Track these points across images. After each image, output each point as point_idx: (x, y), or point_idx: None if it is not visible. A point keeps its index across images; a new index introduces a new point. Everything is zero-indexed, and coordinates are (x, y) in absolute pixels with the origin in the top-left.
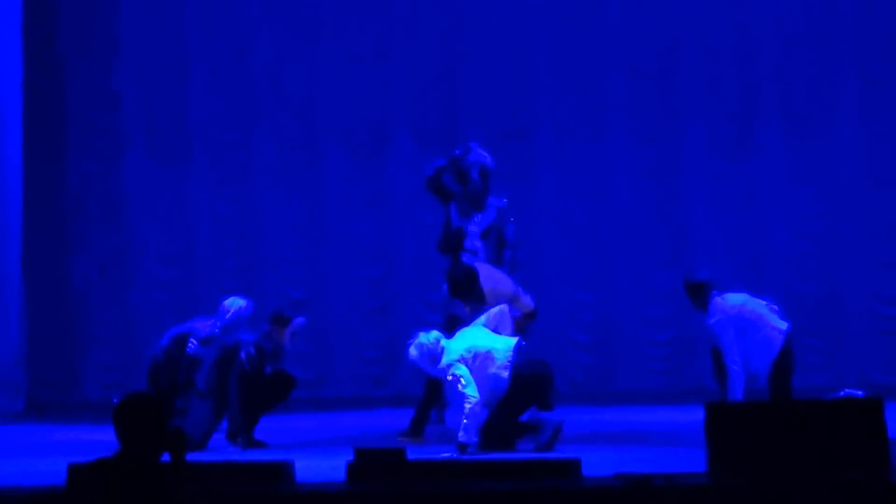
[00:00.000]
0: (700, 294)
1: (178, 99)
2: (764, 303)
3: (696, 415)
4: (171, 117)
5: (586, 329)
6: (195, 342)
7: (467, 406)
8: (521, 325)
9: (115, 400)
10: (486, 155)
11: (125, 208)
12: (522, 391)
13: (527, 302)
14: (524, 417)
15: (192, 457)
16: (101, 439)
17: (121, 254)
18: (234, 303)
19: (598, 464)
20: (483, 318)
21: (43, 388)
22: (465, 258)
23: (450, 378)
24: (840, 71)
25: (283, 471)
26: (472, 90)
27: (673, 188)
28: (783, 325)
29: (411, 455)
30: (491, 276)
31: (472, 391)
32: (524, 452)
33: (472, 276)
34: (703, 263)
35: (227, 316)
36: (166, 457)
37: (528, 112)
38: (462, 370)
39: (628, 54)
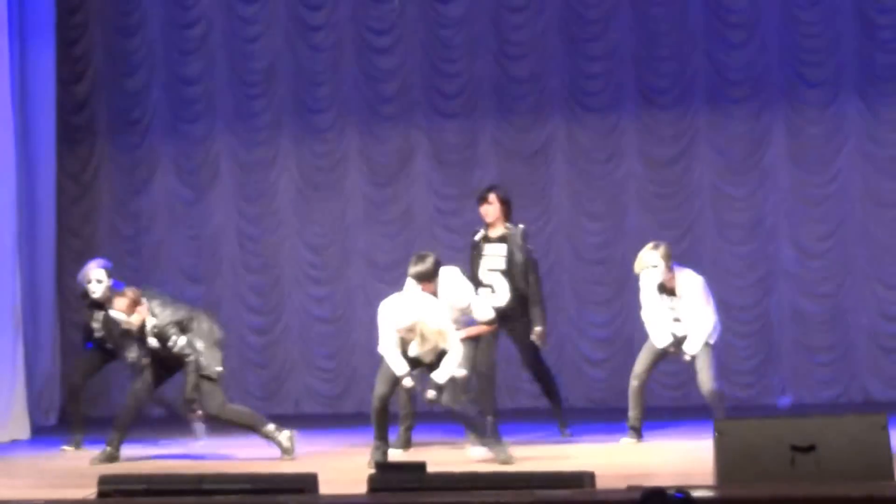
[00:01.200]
0: None
1: (206, 123)
2: None
3: (706, 429)
4: (198, 140)
5: (600, 346)
6: None
7: None
8: (482, 330)
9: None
10: None
11: (154, 228)
12: None
13: (482, 313)
14: None
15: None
16: (129, 454)
17: (149, 272)
18: None
19: (611, 476)
20: None
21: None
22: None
23: None
24: (843, 95)
25: (307, 482)
26: (489, 114)
27: (683, 209)
28: None
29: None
30: (448, 284)
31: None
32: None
33: (437, 270)
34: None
35: None
36: None
37: (543, 135)
38: None
39: (640, 79)
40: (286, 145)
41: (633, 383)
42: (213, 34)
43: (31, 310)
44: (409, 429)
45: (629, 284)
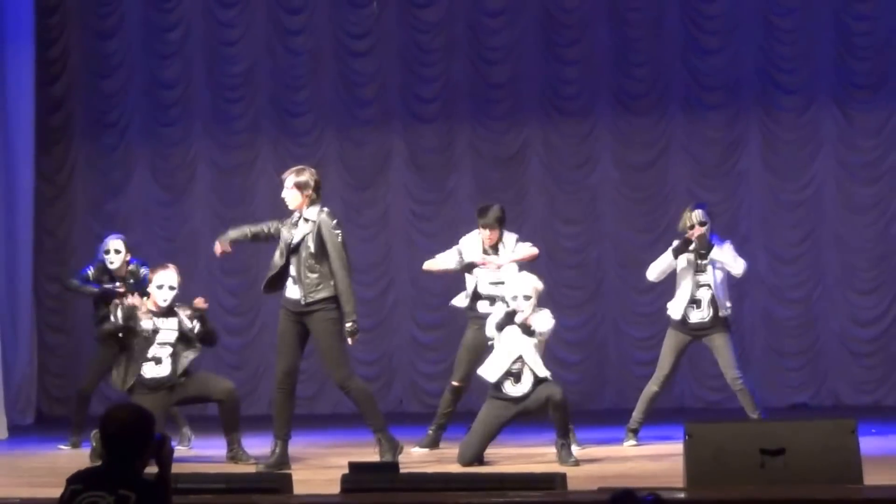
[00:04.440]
0: None
1: (184, 126)
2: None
3: (677, 432)
4: (176, 142)
5: (573, 350)
6: None
7: None
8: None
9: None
10: None
11: (129, 230)
12: None
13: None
14: None
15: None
16: None
17: None
18: None
19: (584, 478)
20: None
21: (51, 404)
22: None
23: None
24: (819, 102)
25: (282, 482)
26: (465, 118)
27: (658, 214)
28: None
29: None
30: None
31: None
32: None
33: None
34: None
35: None
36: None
37: (519, 140)
38: None
39: (616, 84)
40: (264, 149)
41: (653, 388)
42: (192, 38)
43: (8, 310)
44: (440, 428)
45: (603, 288)
